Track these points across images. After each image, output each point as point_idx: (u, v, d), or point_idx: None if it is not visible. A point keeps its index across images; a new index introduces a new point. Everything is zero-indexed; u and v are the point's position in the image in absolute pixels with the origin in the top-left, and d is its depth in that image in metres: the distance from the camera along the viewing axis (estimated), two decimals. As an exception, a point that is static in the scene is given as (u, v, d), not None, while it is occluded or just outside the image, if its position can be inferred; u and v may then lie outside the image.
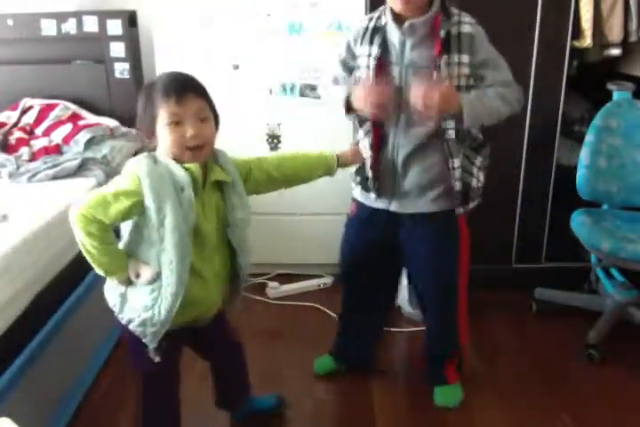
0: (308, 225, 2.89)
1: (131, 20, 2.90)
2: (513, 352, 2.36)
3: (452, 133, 1.74)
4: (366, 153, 1.85)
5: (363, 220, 1.98)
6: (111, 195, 1.40)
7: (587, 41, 2.47)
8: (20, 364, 1.68)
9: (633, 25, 2.49)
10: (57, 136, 2.73)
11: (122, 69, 2.94)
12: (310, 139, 2.68)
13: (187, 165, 1.42)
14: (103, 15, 2.86)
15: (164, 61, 2.72)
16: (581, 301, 2.52)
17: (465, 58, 1.71)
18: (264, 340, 2.44)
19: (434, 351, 2.11)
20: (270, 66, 2.68)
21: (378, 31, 1.77)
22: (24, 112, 2.87)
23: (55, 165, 2.47)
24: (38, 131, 2.80)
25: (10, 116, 2.86)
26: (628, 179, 2.43)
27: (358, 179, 1.93)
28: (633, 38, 2.51)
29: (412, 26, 1.71)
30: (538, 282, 2.64)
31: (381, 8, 1.81)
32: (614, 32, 2.49)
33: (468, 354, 2.22)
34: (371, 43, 1.77)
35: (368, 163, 1.86)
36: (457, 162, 1.78)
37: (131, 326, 1.51)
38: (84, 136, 2.66)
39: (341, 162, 1.73)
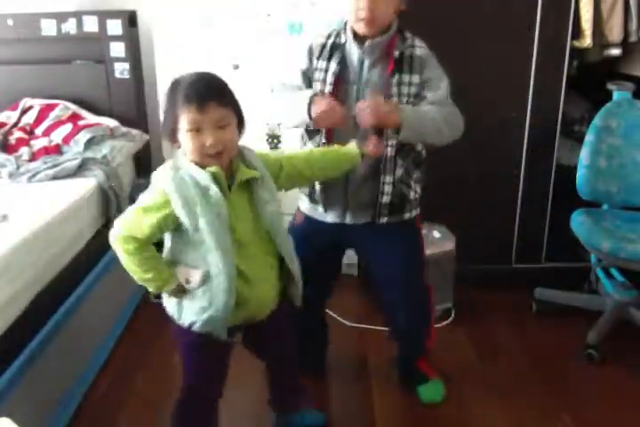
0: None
1: (131, 20, 2.90)
2: (513, 352, 2.36)
3: (390, 151, 1.78)
4: None
5: (308, 232, 1.97)
6: (141, 210, 1.43)
7: (587, 41, 2.47)
8: (20, 364, 1.68)
9: (633, 25, 2.49)
10: (57, 136, 2.73)
11: (122, 69, 2.94)
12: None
13: (209, 169, 1.42)
14: (103, 15, 2.86)
15: (164, 61, 2.73)
16: (581, 301, 2.52)
17: (415, 78, 1.77)
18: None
19: (408, 351, 2.14)
20: (270, 66, 2.68)
21: (337, 48, 1.81)
22: (24, 112, 2.88)
23: (55, 165, 2.48)
24: (38, 131, 2.80)
25: (10, 116, 2.86)
26: (628, 179, 2.43)
27: (306, 190, 1.93)
28: (633, 38, 2.51)
29: (372, 45, 1.76)
30: (538, 282, 2.63)
31: (339, 26, 1.84)
32: (614, 32, 2.50)
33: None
34: (329, 59, 1.80)
35: None
36: (389, 178, 1.81)
37: (195, 328, 1.51)
38: (83, 136, 2.66)
39: (365, 155, 1.71)
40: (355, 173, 1.82)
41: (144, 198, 1.46)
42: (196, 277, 1.47)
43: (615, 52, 2.54)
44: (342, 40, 1.81)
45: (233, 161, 1.49)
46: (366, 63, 1.78)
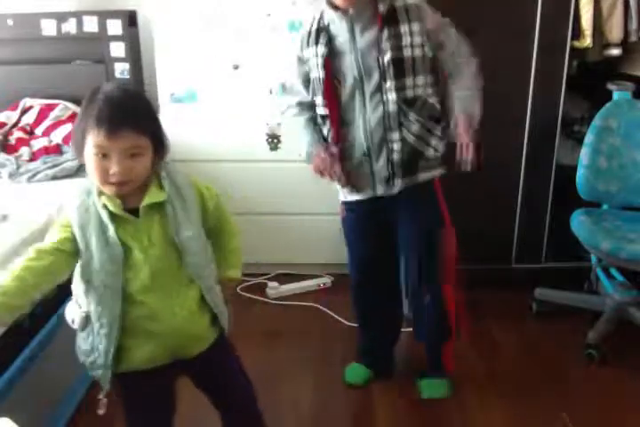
0: (308, 225, 2.89)
1: (131, 20, 2.90)
2: (513, 352, 2.36)
3: (392, 107, 1.78)
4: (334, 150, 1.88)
5: (354, 221, 2.02)
6: (56, 224, 1.34)
7: (587, 41, 2.47)
8: (20, 364, 1.68)
9: (633, 25, 2.49)
10: (57, 136, 2.73)
11: (122, 69, 2.94)
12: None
13: (104, 201, 1.29)
14: (103, 15, 2.86)
15: (163, 61, 2.72)
16: (581, 301, 2.52)
17: (415, 26, 1.75)
18: (263, 340, 2.44)
19: (430, 338, 2.12)
20: (270, 66, 2.68)
21: (322, 31, 1.81)
22: (24, 112, 2.88)
23: (55, 165, 2.48)
24: (38, 131, 2.80)
25: (10, 116, 2.86)
26: (628, 179, 2.43)
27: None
28: (633, 38, 2.51)
29: (358, 10, 1.74)
30: (538, 282, 2.64)
31: (316, 12, 1.84)
32: (614, 32, 2.49)
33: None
34: (316, 43, 1.81)
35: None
36: (396, 135, 1.81)
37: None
38: (84, 136, 2.66)
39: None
40: (371, 140, 1.83)
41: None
42: (76, 318, 1.38)
43: (615, 52, 2.54)
44: (325, 21, 1.81)
45: (144, 184, 1.33)
46: (357, 29, 1.77)
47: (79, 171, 2.48)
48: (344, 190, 1.97)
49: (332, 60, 1.79)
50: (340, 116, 1.83)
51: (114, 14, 2.87)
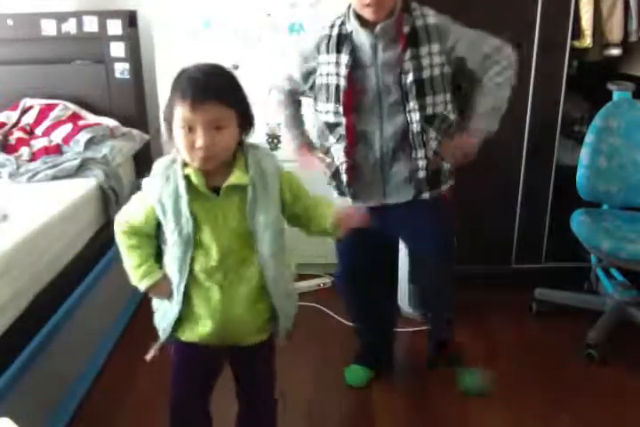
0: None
1: (131, 20, 2.90)
2: (513, 352, 2.36)
3: (416, 127, 1.79)
4: (340, 158, 1.87)
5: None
6: (137, 195, 1.41)
7: (587, 41, 2.47)
8: (20, 364, 1.68)
9: (633, 25, 2.49)
10: (57, 136, 2.73)
11: (122, 69, 2.94)
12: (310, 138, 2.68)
13: (187, 172, 1.32)
14: (103, 15, 2.86)
15: (164, 61, 2.72)
16: (581, 301, 2.52)
17: (435, 47, 1.76)
18: (264, 340, 2.44)
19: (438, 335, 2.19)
20: (270, 66, 2.68)
21: (345, 39, 1.79)
22: (24, 112, 2.88)
23: (55, 165, 2.48)
24: (38, 131, 2.80)
25: (10, 116, 2.86)
26: (628, 179, 2.43)
27: (334, 183, 1.94)
28: (633, 38, 2.51)
29: (384, 28, 1.75)
30: (538, 282, 2.63)
31: (341, 15, 1.83)
32: (614, 32, 2.49)
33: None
34: (338, 51, 1.79)
35: (343, 167, 1.87)
36: (420, 153, 1.82)
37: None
38: (83, 136, 2.66)
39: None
40: (384, 150, 1.83)
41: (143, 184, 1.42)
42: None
43: (615, 52, 2.54)
44: (348, 29, 1.79)
45: (229, 163, 1.35)
46: (380, 46, 1.77)
47: (79, 171, 2.48)
48: (347, 198, 1.93)
49: (353, 70, 1.78)
50: (354, 124, 1.82)
51: (114, 14, 2.87)
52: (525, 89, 2.53)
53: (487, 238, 2.69)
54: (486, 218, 2.69)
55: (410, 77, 1.75)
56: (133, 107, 2.99)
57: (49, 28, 2.88)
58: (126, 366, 2.24)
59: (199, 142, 1.27)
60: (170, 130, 1.33)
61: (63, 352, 1.94)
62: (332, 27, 1.82)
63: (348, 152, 1.85)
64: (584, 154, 2.43)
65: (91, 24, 2.88)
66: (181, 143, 1.30)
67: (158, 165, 1.38)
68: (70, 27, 2.88)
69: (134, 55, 2.95)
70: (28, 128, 2.82)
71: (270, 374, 1.61)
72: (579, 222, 2.35)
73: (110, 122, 2.87)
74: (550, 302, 2.57)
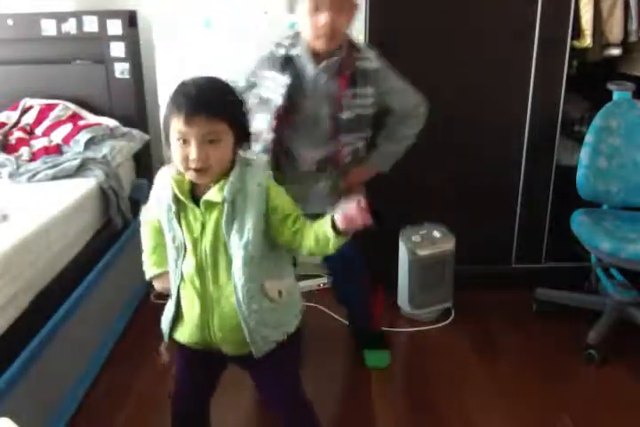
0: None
1: (131, 20, 2.90)
2: (513, 352, 2.36)
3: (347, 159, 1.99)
4: None
5: None
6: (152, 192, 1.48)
7: (587, 41, 2.47)
8: (20, 364, 1.68)
9: (633, 25, 2.49)
10: (57, 136, 2.73)
11: (122, 69, 2.94)
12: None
13: (172, 181, 1.36)
14: (103, 15, 2.86)
15: (164, 61, 2.73)
16: (581, 301, 2.52)
17: (369, 90, 1.89)
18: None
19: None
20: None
21: (290, 61, 1.86)
22: (24, 112, 2.88)
23: (55, 165, 2.47)
24: (38, 131, 2.80)
25: (10, 116, 2.86)
26: (628, 179, 2.43)
27: None
28: (633, 38, 2.51)
29: (328, 66, 1.84)
30: (538, 282, 2.63)
31: (291, 36, 1.89)
32: (614, 32, 2.50)
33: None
34: (282, 71, 1.86)
35: None
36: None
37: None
38: (83, 136, 2.66)
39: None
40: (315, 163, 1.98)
41: None
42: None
43: (615, 52, 2.54)
44: (295, 53, 1.86)
45: (227, 172, 1.35)
46: (321, 79, 1.86)
47: (79, 171, 2.48)
48: None
49: (292, 92, 1.86)
50: (281, 141, 1.95)
51: (114, 14, 2.87)
52: (525, 89, 2.53)
53: (487, 238, 2.69)
54: (486, 218, 2.69)
55: (345, 114, 1.88)
56: (133, 107, 2.99)
57: (49, 28, 2.88)
58: (126, 367, 2.24)
59: (192, 155, 1.29)
60: (167, 142, 1.36)
61: (63, 352, 1.94)
62: (279, 46, 1.89)
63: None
64: (584, 154, 2.43)
65: (91, 24, 2.87)
66: (176, 155, 1.33)
67: (159, 175, 1.44)
68: (70, 27, 2.88)
69: (134, 55, 2.95)
70: (28, 128, 2.82)
71: (289, 379, 1.55)
72: (579, 222, 2.35)
73: (110, 122, 2.87)
74: (550, 302, 2.57)
